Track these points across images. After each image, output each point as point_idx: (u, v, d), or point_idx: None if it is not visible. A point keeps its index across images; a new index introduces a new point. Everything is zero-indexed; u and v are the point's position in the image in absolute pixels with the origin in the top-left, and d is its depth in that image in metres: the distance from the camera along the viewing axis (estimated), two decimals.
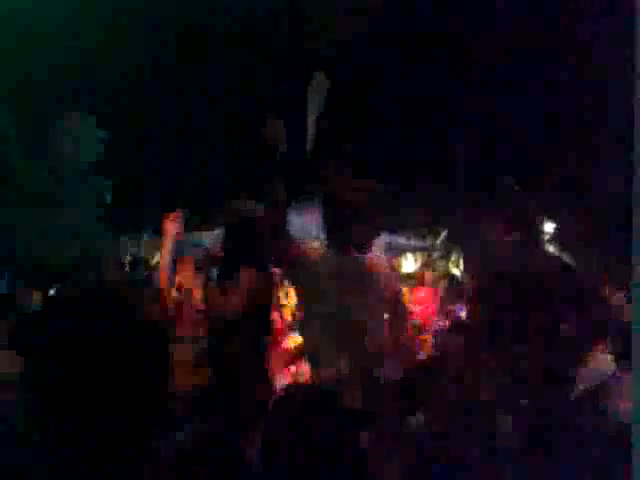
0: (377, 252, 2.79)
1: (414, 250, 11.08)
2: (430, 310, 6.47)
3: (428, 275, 7.91)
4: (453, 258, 11.21)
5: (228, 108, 16.46)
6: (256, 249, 3.15)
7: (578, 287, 2.56)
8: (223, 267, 3.40)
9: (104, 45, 14.24)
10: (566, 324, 2.46)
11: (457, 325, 3.70)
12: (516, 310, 2.47)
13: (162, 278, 3.59)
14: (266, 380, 3.10)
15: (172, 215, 3.57)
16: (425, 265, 9.60)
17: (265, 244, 3.14)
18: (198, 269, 4.80)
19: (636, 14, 1.61)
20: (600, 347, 2.39)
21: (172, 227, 3.50)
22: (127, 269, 7.74)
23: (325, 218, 2.89)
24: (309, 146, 2.83)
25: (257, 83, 15.54)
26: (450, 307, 5.89)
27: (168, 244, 3.49)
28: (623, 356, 2.19)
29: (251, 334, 3.05)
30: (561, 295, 2.50)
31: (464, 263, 8.10)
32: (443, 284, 7.20)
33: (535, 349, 2.37)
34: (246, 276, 3.09)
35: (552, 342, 2.46)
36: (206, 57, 16.01)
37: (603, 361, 2.23)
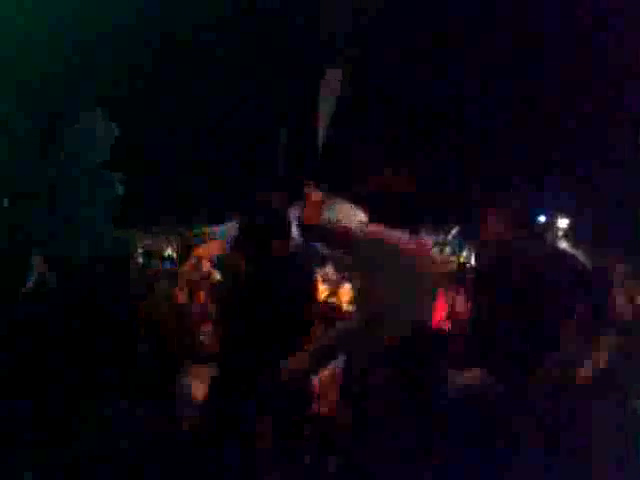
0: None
1: None
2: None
3: None
4: (465, 254, 11.25)
5: (239, 105, 16.54)
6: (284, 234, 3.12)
7: (581, 277, 2.61)
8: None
9: (117, 42, 14.34)
10: (567, 316, 2.50)
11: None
12: (517, 303, 2.52)
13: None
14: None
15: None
16: None
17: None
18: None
19: None
20: (603, 337, 2.43)
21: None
22: (141, 261, 7.83)
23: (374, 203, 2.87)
24: (321, 145, 2.86)
25: (271, 79, 15.61)
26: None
27: None
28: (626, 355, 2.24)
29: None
30: (563, 286, 2.54)
31: (475, 259, 8.13)
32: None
33: (535, 340, 2.42)
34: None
35: (553, 332, 2.50)
36: (218, 53, 16.09)
37: (607, 350, 2.27)
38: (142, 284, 5.02)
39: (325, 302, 5.33)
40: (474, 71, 14.01)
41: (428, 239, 2.90)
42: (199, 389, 3.23)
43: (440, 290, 3.33)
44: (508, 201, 2.96)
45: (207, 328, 3.83)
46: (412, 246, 2.67)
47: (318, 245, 3.76)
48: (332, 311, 4.34)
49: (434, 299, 2.97)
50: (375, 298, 2.55)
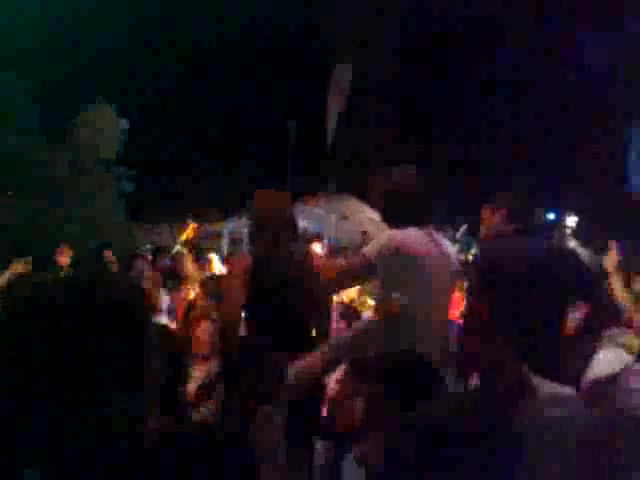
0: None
1: None
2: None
3: None
4: (473, 251, 11.21)
5: (248, 103, 16.55)
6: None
7: (581, 276, 2.58)
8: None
9: (125, 38, 14.33)
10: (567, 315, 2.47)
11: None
12: (516, 301, 2.49)
13: None
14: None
15: None
16: None
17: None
18: None
19: None
20: (612, 340, 2.41)
21: None
22: (150, 258, 7.84)
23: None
24: (329, 142, 2.84)
25: (280, 78, 15.59)
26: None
27: None
28: None
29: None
30: (563, 285, 2.51)
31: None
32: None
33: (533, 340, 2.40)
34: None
35: (553, 332, 2.47)
36: (225, 50, 16.08)
37: (617, 354, 2.24)
38: (146, 281, 5.03)
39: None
40: (475, 71, 14.01)
41: (439, 236, 2.87)
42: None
43: (455, 288, 3.34)
44: (507, 199, 2.95)
45: (210, 325, 3.82)
46: (424, 247, 2.65)
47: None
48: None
49: (450, 298, 2.96)
50: (391, 301, 2.54)
